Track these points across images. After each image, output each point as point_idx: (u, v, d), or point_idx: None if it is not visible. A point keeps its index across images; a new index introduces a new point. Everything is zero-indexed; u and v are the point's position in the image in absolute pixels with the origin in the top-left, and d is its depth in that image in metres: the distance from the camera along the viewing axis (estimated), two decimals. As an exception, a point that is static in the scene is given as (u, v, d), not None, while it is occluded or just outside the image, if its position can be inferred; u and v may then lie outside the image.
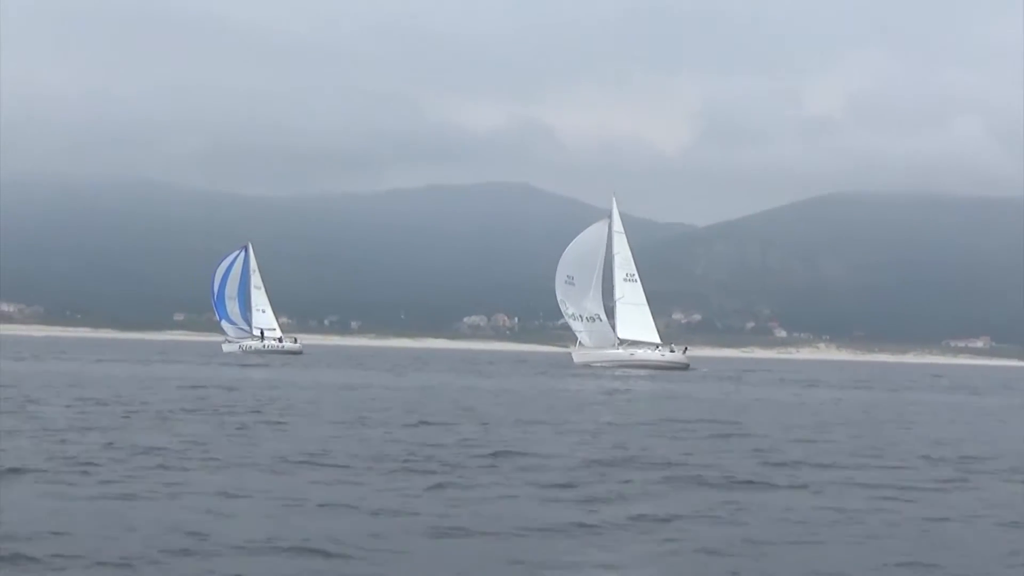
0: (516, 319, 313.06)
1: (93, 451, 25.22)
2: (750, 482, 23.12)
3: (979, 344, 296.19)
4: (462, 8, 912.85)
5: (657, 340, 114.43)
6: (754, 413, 46.36)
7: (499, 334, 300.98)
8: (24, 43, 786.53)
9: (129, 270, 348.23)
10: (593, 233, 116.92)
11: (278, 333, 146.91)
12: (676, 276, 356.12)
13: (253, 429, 32.10)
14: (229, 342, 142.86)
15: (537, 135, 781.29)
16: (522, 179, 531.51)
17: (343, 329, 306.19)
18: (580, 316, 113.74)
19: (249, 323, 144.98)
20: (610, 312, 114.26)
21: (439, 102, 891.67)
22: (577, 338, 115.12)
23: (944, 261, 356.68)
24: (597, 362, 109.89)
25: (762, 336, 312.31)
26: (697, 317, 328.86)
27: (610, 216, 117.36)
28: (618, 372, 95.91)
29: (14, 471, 21.61)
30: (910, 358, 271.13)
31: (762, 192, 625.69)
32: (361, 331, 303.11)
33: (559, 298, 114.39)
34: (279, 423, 34.33)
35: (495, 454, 26.64)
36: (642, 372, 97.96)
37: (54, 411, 35.64)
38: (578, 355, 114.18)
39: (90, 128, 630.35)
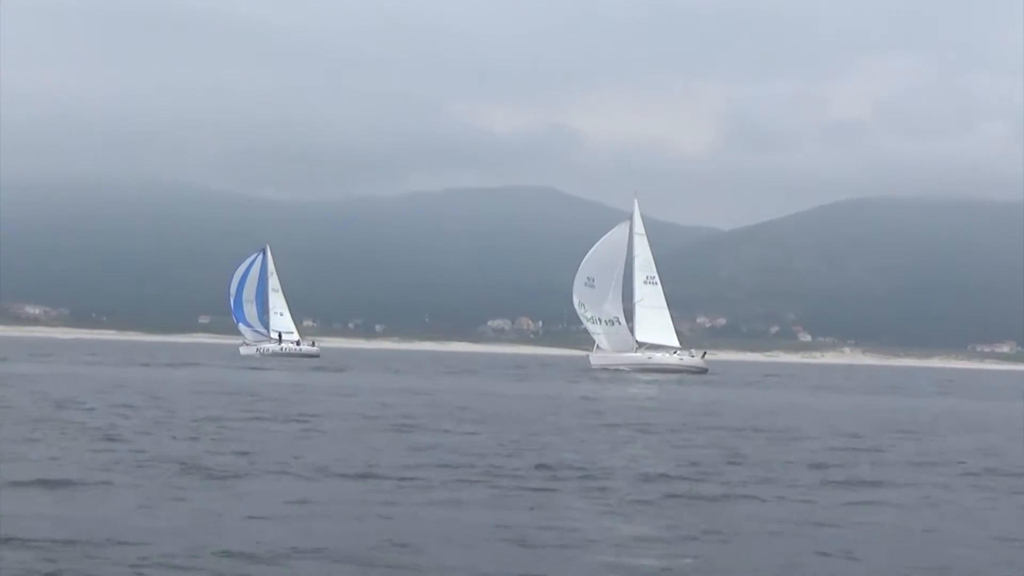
0: (540, 323, 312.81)
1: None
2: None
3: (1005, 349, 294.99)
4: (486, 10, 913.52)
5: (676, 344, 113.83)
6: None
7: (523, 337, 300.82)
8: (52, 48, 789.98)
9: (154, 272, 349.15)
10: (615, 235, 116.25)
11: (296, 336, 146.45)
12: (701, 280, 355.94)
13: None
14: (247, 345, 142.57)
15: (561, 138, 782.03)
16: (546, 183, 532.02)
17: (367, 333, 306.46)
18: (599, 319, 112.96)
19: (267, 326, 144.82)
20: (629, 315, 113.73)
21: (461, 105, 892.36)
22: (595, 341, 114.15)
23: (970, 265, 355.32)
24: (614, 365, 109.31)
25: (787, 340, 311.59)
26: (722, 321, 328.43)
27: (631, 218, 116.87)
28: (653, 377, 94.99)
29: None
30: (935, 362, 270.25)
31: (787, 196, 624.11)
32: (385, 334, 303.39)
33: (577, 300, 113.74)
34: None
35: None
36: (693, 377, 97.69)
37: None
38: (595, 358, 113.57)
39: (116, 130, 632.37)
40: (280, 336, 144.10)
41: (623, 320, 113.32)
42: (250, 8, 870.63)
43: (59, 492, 19.79)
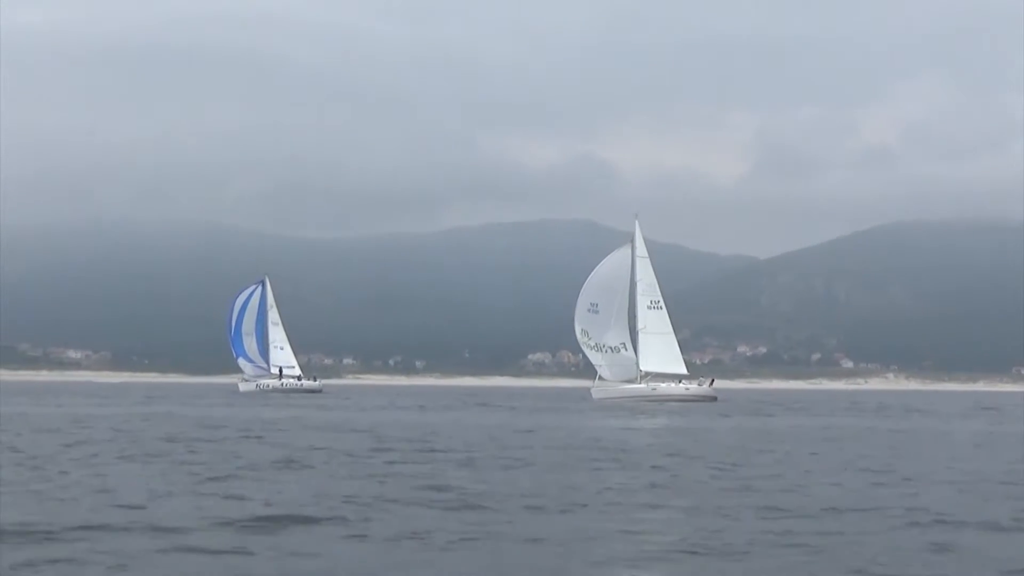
0: (580, 355, 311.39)
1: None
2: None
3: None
4: (518, 44, 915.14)
5: (684, 371, 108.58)
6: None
7: (563, 370, 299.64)
8: (86, 91, 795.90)
9: (195, 314, 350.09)
10: (616, 259, 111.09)
11: (297, 371, 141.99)
12: (740, 308, 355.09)
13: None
14: (246, 380, 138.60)
15: (593, 169, 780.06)
16: (581, 215, 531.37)
17: (408, 369, 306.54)
18: (601, 347, 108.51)
19: (268, 360, 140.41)
20: (634, 342, 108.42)
21: (491, 138, 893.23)
22: (597, 372, 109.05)
23: (1008, 287, 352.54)
24: (617, 397, 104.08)
25: (829, 367, 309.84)
26: (763, 349, 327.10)
27: (632, 241, 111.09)
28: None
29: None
30: (980, 386, 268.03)
31: (821, 222, 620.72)
32: (426, 370, 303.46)
33: (579, 328, 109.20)
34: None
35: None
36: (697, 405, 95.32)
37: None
38: (597, 391, 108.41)
39: (154, 174, 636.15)
40: (281, 371, 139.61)
41: (628, 347, 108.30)
42: (280, 46, 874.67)
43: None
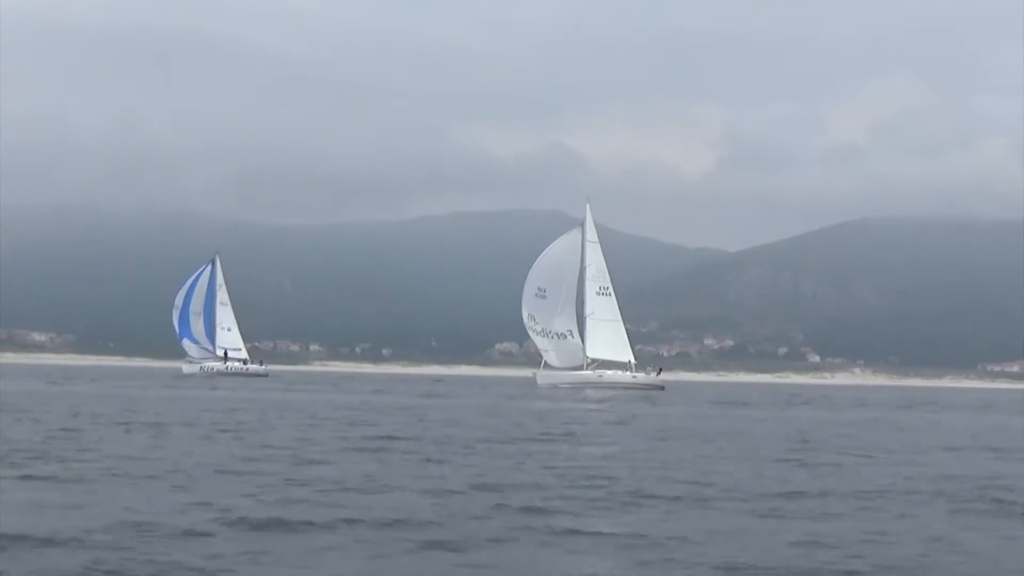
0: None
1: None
2: None
3: (1015, 368, 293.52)
4: (488, 34, 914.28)
5: (631, 359, 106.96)
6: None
7: (531, 360, 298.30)
8: (54, 73, 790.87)
9: (160, 298, 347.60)
10: (565, 242, 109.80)
11: (244, 354, 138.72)
12: (708, 301, 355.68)
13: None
14: (190, 363, 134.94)
15: (563, 159, 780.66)
16: (551, 206, 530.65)
17: (375, 357, 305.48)
18: (548, 332, 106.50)
19: (214, 343, 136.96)
20: (582, 328, 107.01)
21: (461, 128, 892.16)
22: (542, 358, 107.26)
23: (976, 285, 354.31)
24: (563, 384, 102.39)
25: (796, 361, 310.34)
26: (730, 343, 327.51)
27: (583, 225, 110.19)
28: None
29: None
30: (946, 382, 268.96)
31: (789, 217, 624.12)
32: (393, 358, 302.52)
33: (526, 313, 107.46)
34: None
35: None
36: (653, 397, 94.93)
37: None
38: (542, 377, 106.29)
39: (121, 157, 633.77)
40: (226, 354, 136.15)
41: (576, 334, 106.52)
42: (251, 34, 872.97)
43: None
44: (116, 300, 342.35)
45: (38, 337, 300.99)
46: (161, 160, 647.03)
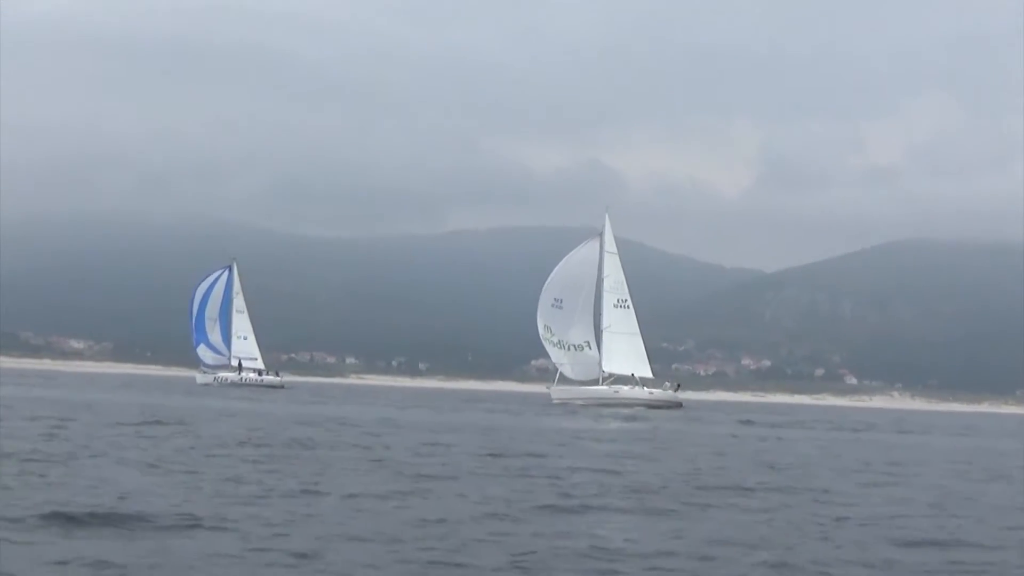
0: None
1: None
2: None
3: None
4: (527, 51, 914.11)
5: (648, 374, 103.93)
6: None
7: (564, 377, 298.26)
8: (88, 83, 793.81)
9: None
10: (583, 253, 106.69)
11: (260, 364, 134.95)
12: (745, 321, 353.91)
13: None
14: (204, 372, 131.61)
15: (599, 176, 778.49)
16: (587, 222, 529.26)
17: (411, 371, 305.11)
18: (564, 344, 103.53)
19: (230, 350, 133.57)
20: (599, 341, 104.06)
21: (496, 141, 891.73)
22: (558, 371, 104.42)
23: (1014, 309, 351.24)
24: (578, 400, 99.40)
25: (833, 383, 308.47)
26: (767, 363, 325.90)
27: (601, 235, 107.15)
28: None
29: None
30: (984, 407, 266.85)
31: (827, 238, 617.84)
32: (429, 373, 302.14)
33: (542, 324, 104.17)
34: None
35: None
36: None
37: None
38: (556, 392, 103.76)
39: (160, 166, 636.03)
40: (240, 364, 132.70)
41: (593, 345, 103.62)
42: (287, 42, 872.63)
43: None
44: (153, 309, 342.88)
45: (76, 345, 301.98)
46: (197, 169, 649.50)
